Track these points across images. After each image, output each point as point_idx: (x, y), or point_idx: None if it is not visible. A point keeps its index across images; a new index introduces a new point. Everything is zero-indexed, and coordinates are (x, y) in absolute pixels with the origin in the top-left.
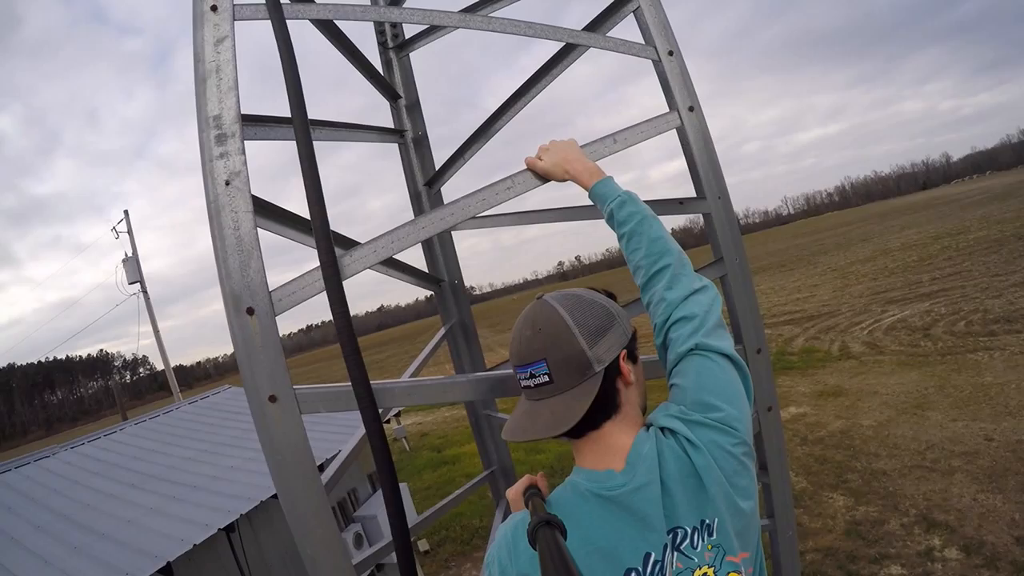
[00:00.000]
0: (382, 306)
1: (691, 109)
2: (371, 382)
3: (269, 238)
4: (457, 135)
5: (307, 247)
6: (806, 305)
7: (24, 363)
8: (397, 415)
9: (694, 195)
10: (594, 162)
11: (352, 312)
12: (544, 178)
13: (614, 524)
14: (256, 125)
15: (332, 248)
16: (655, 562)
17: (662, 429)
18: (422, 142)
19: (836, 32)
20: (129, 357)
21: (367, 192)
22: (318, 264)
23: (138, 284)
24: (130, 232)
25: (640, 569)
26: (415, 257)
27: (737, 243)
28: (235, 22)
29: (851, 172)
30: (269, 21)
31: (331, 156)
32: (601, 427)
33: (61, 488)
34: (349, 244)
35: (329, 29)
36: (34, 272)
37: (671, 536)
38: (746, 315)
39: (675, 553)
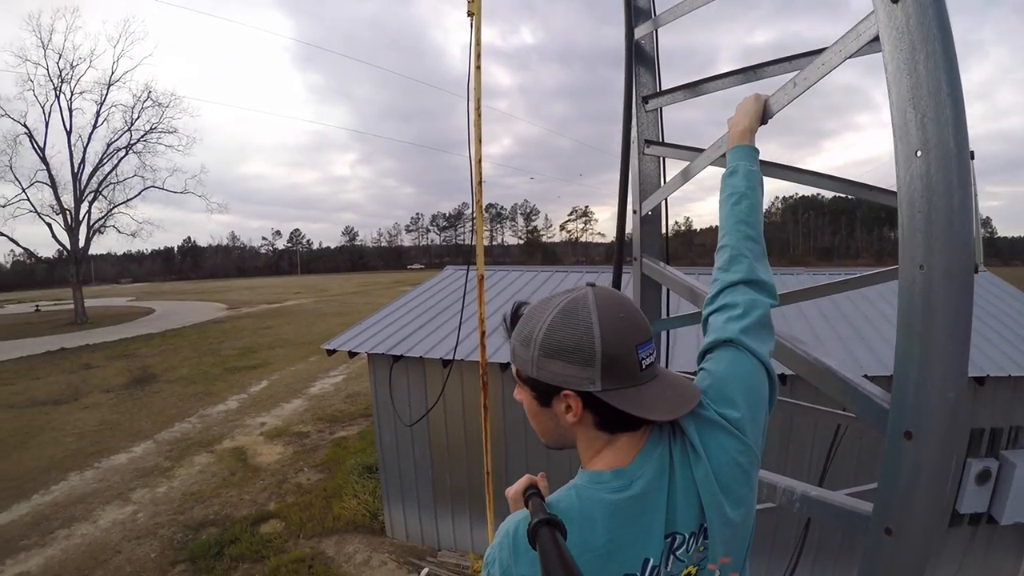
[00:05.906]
0: None
1: (895, 0)
2: None
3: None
4: None
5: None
6: None
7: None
8: None
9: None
10: (766, 120)
11: None
12: None
13: (615, 528)
14: (655, 97)
15: (626, 196)
16: (653, 567)
17: (673, 426)
18: None
19: None
20: None
21: None
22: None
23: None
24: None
25: (638, 574)
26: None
27: (950, 240)
28: (657, 28)
29: None
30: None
31: None
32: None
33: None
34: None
35: None
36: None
37: (668, 540)
38: (907, 373)
39: (670, 556)
